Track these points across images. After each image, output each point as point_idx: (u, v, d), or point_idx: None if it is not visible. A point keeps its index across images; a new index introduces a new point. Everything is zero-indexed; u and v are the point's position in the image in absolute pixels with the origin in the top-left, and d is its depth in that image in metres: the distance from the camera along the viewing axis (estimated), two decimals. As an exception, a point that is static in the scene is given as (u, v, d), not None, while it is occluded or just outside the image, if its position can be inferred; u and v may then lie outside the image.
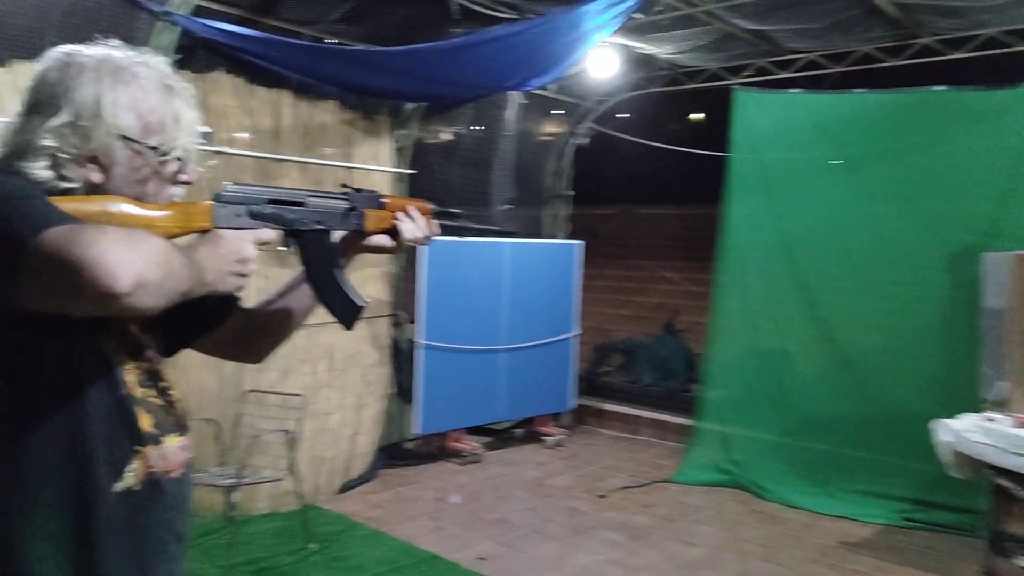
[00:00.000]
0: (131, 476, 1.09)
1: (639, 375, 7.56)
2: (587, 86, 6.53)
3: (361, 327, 5.41)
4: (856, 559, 4.41)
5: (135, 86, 1.12)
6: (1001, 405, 4.39)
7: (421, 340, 5.78)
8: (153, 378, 1.18)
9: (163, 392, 1.19)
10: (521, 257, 6.37)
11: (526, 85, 5.01)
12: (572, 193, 7.33)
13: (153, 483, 1.12)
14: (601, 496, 5.38)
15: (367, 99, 5.25)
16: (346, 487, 5.30)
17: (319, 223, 1.31)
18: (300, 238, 1.29)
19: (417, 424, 5.84)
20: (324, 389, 5.11)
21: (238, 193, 1.19)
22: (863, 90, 5.52)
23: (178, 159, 1.16)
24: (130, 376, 1.12)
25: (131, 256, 0.88)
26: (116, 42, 1.15)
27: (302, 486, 4.42)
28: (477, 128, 6.36)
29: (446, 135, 6.43)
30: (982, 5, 4.60)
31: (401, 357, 5.87)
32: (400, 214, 1.41)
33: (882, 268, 5.33)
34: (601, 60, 5.85)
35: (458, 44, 4.41)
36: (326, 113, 5.18)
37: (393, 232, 1.41)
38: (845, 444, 5.38)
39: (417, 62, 4.36)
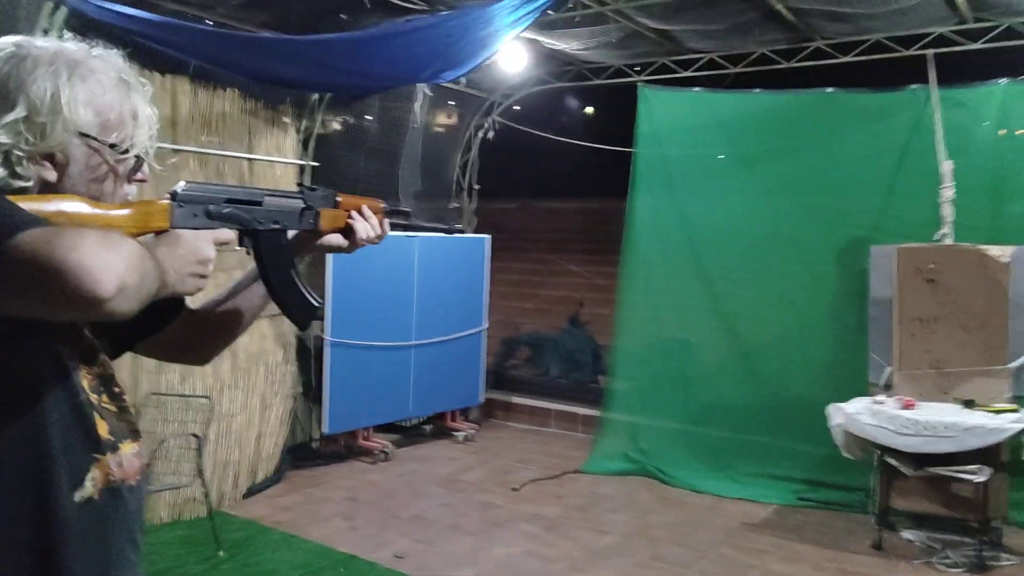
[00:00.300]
0: (91, 485, 1.05)
1: (547, 368, 7.66)
2: (494, 80, 6.53)
3: (264, 324, 5.25)
4: (759, 539, 4.62)
5: (92, 81, 1.07)
6: (888, 389, 4.71)
7: (328, 337, 5.64)
8: (106, 383, 1.13)
9: (116, 397, 1.14)
10: (430, 251, 6.30)
11: (439, 78, 4.95)
12: (478, 187, 7.31)
13: (112, 491, 1.08)
14: (514, 489, 5.41)
15: (270, 88, 5.06)
16: (251, 491, 5.12)
17: (276, 222, 1.29)
18: (256, 238, 1.27)
19: (325, 423, 5.70)
20: (227, 390, 4.92)
21: (196, 192, 1.15)
22: (760, 90, 5.77)
23: (136, 157, 1.12)
24: (85, 382, 1.07)
25: (112, 259, 0.84)
26: (68, 34, 1.10)
27: (208, 492, 4.24)
28: (383, 120, 6.24)
29: (352, 127, 6.28)
30: (868, 12, 4.87)
31: (307, 355, 5.71)
32: (354, 213, 1.40)
33: (778, 261, 5.59)
34: (509, 54, 5.85)
35: (372, 35, 4.31)
36: (226, 102, 4.97)
37: (346, 231, 1.40)
38: (744, 430, 5.62)
39: (328, 52, 4.23)
